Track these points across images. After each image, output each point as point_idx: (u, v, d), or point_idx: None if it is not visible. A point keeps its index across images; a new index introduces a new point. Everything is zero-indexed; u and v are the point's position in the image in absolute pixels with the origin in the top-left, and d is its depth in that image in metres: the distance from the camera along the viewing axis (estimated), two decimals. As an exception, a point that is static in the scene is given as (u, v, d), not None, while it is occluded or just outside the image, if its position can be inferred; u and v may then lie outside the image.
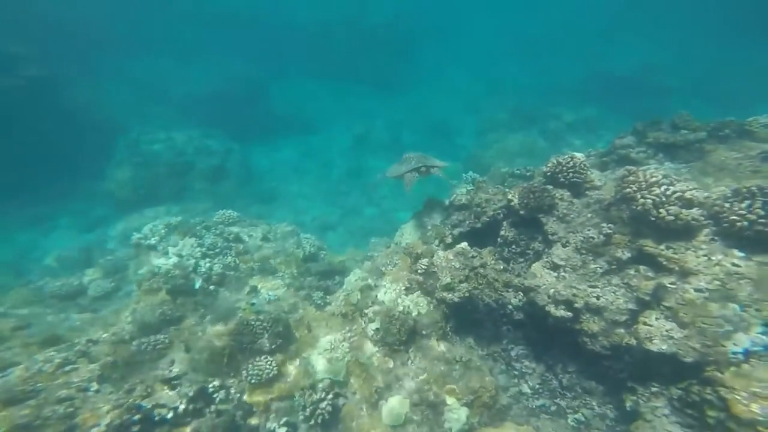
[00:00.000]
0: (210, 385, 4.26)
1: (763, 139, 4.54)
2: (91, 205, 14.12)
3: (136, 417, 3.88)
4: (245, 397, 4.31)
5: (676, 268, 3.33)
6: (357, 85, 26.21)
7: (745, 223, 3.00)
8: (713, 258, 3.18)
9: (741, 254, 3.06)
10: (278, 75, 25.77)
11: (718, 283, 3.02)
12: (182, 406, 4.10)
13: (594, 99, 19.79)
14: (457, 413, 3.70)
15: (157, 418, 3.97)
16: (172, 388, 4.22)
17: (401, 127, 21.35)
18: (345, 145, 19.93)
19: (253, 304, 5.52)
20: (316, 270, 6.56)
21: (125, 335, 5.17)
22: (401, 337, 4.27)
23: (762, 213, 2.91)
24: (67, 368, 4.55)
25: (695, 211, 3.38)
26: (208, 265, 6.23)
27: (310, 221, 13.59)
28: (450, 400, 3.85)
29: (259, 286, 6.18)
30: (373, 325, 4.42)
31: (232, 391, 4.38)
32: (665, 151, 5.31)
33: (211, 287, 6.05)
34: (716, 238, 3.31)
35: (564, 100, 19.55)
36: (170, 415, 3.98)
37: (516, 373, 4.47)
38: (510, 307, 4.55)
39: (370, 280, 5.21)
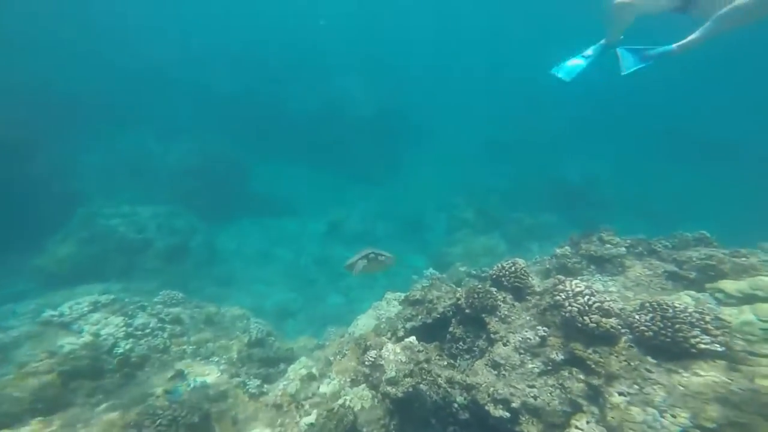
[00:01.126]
0: None
1: (665, 259, 5.28)
2: (12, 280, 12.50)
3: None
4: None
5: (603, 372, 3.53)
6: (337, 175, 27.41)
7: (651, 333, 3.37)
8: (632, 363, 3.43)
9: (654, 361, 3.34)
10: (259, 157, 26.54)
11: (637, 387, 3.21)
12: None
13: (550, 206, 21.70)
14: None
15: None
16: None
17: (376, 219, 22.15)
18: (318, 233, 20.28)
19: (168, 392, 4.94)
20: (259, 356, 6.14)
21: None
22: (337, 436, 3.95)
23: (661, 325, 3.31)
24: None
25: (613, 320, 3.76)
26: (129, 346, 5.67)
27: (270, 306, 13.00)
28: None
29: (186, 371, 5.60)
30: (308, 420, 4.09)
31: None
32: (595, 263, 5.99)
33: (125, 370, 5.41)
34: (633, 345, 3.62)
35: (524, 205, 21.33)
36: None
37: (461, 483, 4.09)
38: (455, 405, 4.40)
39: (314, 370, 4.99)
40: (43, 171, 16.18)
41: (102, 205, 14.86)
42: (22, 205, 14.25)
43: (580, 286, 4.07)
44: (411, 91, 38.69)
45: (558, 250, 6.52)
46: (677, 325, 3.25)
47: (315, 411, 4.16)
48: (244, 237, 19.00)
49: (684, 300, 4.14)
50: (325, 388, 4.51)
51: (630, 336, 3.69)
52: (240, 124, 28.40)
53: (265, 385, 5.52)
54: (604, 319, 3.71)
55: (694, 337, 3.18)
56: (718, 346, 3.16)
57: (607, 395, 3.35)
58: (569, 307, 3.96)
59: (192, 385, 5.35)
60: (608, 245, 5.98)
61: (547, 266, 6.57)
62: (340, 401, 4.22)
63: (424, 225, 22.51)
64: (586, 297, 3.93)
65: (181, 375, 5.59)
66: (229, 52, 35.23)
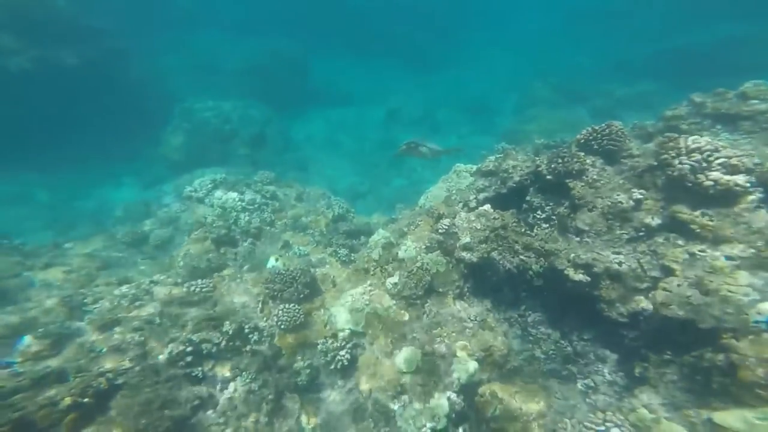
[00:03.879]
0: (246, 327, 4.70)
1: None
2: (150, 166, 15.49)
3: (189, 349, 4.39)
4: (275, 341, 4.72)
5: (709, 236, 3.17)
6: (394, 62, 25.88)
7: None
8: (753, 226, 2.98)
9: (786, 222, 2.85)
10: (318, 50, 25.87)
11: (752, 251, 2.85)
12: (223, 344, 4.55)
13: (656, 76, 17.90)
14: (465, 365, 3.86)
15: (205, 352, 4.46)
16: (215, 327, 4.69)
17: (437, 104, 20.94)
18: (378, 119, 19.95)
19: (277, 258, 5.90)
20: (344, 229, 6.84)
21: (178, 279, 5.80)
22: (418, 292, 4.45)
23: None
24: (137, 303, 5.25)
25: (740, 178, 3.15)
26: (246, 218, 6.71)
27: (341, 189, 13.96)
28: (460, 354, 4.01)
29: (291, 241, 6.58)
30: (392, 280, 4.62)
31: (264, 333, 4.79)
32: (725, 122, 4.86)
33: (249, 239, 6.54)
34: (762, 205, 3.08)
35: (619, 78, 17.95)
36: (214, 350, 4.48)
37: (531, 338, 4.52)
38: (530, 273, 4.54)
39: (392, 239, 5.39)
40: (140, 74, 17.87)
41: (193, 101, 16.38)
42: (134, 103, 16.25)
43: (699, 142, 3.38)
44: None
45: (668, 112, 5.38)
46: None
47: (397, 273, 4.67)
48: (312, 126, 19.60)
49: None
50: (403, 253, 4.94)
51: (761, 194, 3.12)
52: (298, 20, 27.19)
53: (352, 254, 6.31)
54: (726, 177, 3.14)
55: None
56: None
57: (709, 259, 3.05)
58: (678, 165, 3.40)
59: (298, 254, 6.36)
60: (753, 101, 4.70)
61: (650, 131, 5.57)
62: (418, 264, 4.63)
63: (491, 107, 20.57)
64: (706, 153, 3.28)
65: (287, 245, 6.65)
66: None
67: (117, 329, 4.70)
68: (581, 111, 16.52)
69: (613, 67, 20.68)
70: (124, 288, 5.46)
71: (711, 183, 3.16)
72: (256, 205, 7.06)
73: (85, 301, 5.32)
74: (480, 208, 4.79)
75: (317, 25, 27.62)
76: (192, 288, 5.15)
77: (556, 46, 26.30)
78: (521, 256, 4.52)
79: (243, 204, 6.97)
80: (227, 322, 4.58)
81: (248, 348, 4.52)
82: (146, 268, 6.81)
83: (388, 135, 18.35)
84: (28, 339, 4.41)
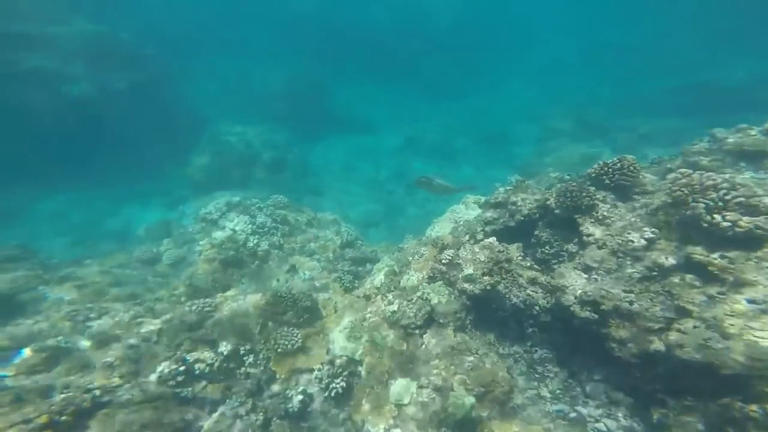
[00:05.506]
0: (242, 349, 4.67)
1: None
2: (176, 186, 16.23)
3: (182, 368, 4.38)
4: (270, 364, 4.64)
5: (730, 279, 2.96)
6: (415, 90, 26.55)
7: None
8: (776, 270, 2.78)
9: (810, 267, 2.64)
10: (341, 76, 27.02)
11: (776, 295, 2.63)
12: (217, 365, 4.53)
13: (681, 111, 17.62)
14: (461, 401, 3.64)
15: (197, 372, 4.45)
16: (211, 347, 4.69)
17: (455, 133, 21.15)
18: (396, 147, 20.31)
19: (278, 280, 5.94)
20: (351, 256, 6.84)
21: (182, 297, 5.90)
22: (417, 321, 4.32)
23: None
24: (138, 320, 5.35)
25: (761, 219, 2.98)
26: (255, 240, 6.84)
27: (355, 216, 14.06)
28: (457, 388, 3.81)
29: (297, 265, 6.63)
30: (392, 308, 4.52)
31: (261, 356, 4.74)
32: (749, 159, 4.67)
33: (256, 262, 6.63)
34: (784, 249, 2.88)
35: (641, 112, 17.74)
36: (207, 370, 4.45)
37: (537, 375, 4.26)
38: (537, 308, 4.35)
39: (396, 268, 5.33)
40: (177, 97, 19.23)
41: (221, 124, 17.38)
42: (171, 125, 17.38)
43: (714, 179, 3.25)
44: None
45: (689, 147, 5.24)
46: None
47: (397, 301, 4.57)
48: (331, 152, 20.13)
49: None
50: (405, 282, 4.86)
51: (782, 238, 2.92)
52: (320, 48, 28.61)
53: (356, 281, 6.26)
54: (745, 218, 2.97)
55: None
56: None
57: (730, 302, 2.84)
58: (694, 204, 3.25)
59: (303, 278, 6.39)
60: (781, 137, 4.53)
61: (668, 166, 5.40)
62: (419, 293, 4.53)
63: (510, 137, 20.54)
64: (722, 191, 3.14)
65: (293, 268, 6.70)
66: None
67: (113, 345, 4.74)
68: (603, 145, 16.29)
69: (633, 101, 20.47)
70: (129, 305, 5.58)
71: (728, 224, 2.99)
72: (266, 229, 7.21)
73: (90, 316, 5.45)
74: (485, 240, 4.70)
75: (341, 52, 28.95)
76: (194, 307, 5.21)
77: (577, 78, 26.44)
78: (528, 291, 4.35)
79: (253, 227, 7.13)
80: (224, 343, 4.56)
81: (242, 370, 4.45)
82: (155, 286, 6.98)
83: (406, 163, 18.57)
84: (26, 352, 4.48)
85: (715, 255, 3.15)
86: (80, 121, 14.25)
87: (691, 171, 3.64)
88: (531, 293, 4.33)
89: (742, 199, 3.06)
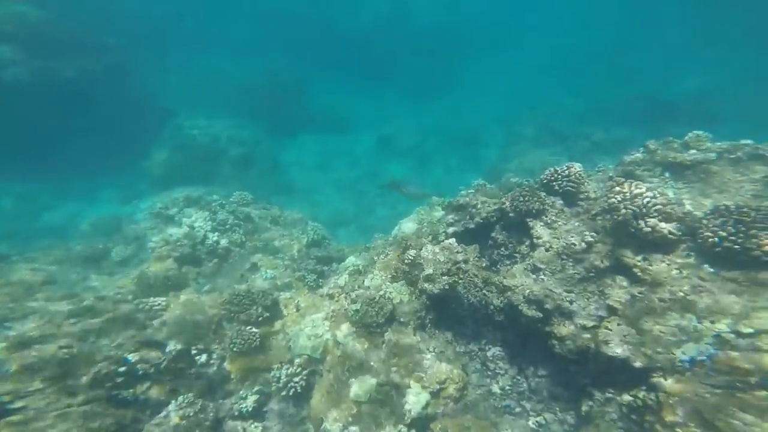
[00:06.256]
0: (194, 348, 4.58)
1: (772, 164, 4.39)
2: (132, 181, 15.43)
3: (122, 369, 4.18)
4: (225, 364, 4.59)
5: (648, 279, 3.33)
6: (391, 89, 26.69)
7: (716, 239, 2.98)
8: (684, 271, 3.16)
9: (710, 270, 3.03)
10: (318, 74, 26.63)
11: (681, 294, 3.00)
12: (164, 364, 4.37)
13: (631, 121, 18.98)
14: (418, 398, 3.83)
15: (140, 372, 4.26)
16: (159, 346, 4.51)
17: (429, 133, 21.45)
18: (370, 147, 20.37)
19: (242, 276, 5.87)
20: (316, 255, 6.87)
21: (129, 295, 5.64)
22: (379, 320, 4.46)
23: (732, 230, 2.88)
24: (73, 320, 4.91)
25: (672, 226, 3.38)
26: (215, 238, 6.68)
27: (325, 215, 14.01)
28: (414, 386, 3.99)
29: (259, 264, 6.56)
30: (354, 307, 4.63)
31: (215, 356, 4.66)
32: (672, 169, 5.20)
33: (214, 260, 6.48)
34: (692, 253, 3.28)
35: (598, 121, 18.92)
36: (152, 370, 4.29)
37: (489, 373, 4.52)
38: (492, 307, 4.62)
39: (361, 267, 5.44)
40: (139, 90, 18.25)
41: (185, 117, 16.70)
42: (130, 118, 16.44)
43: (640, 188, 3.63)
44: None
45: (627, 158, 5.75)
46: (752, 231, 2.81)
47: (360, 300, 4.68)
48: (302, 149, 19.91)
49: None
50: (369, 282, 4.98)
51: (691, 243, 3.33)
52: (298, 44, 28.33)
53: (320, 280, 6.30)
54: (662, 224, 3.35)
55: (771, 244, 2.75)
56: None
57: (647, 302, 3.20)
58: (623, 210, 3.61)
59: (265, 276, 6.32)
60: (693, 150, 5.08)
61: (611, 174, 5.89)
62: (381, 292, 4.67)
63: (479, 140, 21.16)
64: (646, 199, 3.51)
65: (255, 267, 6.60)
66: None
67: (37, 347, 4.36)
68: (562, 152, 17.23)
69: (593, 109, 21.72)
70: (64, 304, 5.22)
71: (649, 229, 3.36)
72: (227, 226, 7.04)
73: (12, 316, 4.99)
74: (445, 241, 4.92)
75: (316, 48, 28.59)
76: (141, 306, 5.03)
77: (548, 82, 27.57)
78: (483, 291, 4.61)
79: (213, 224, 6.95)
80: (173, 342, 4.46)
81: (193, 371, 4.38)
82: (98, 284, 6.58)
83: (379, 163, 18.69)
84: None
85: (639, 257, 3.52)
86: (17, 108, 13.19)
87: (624, 180, 4.03)
88: (486, 293, 4.60)
89: (660, 206, 3.44)
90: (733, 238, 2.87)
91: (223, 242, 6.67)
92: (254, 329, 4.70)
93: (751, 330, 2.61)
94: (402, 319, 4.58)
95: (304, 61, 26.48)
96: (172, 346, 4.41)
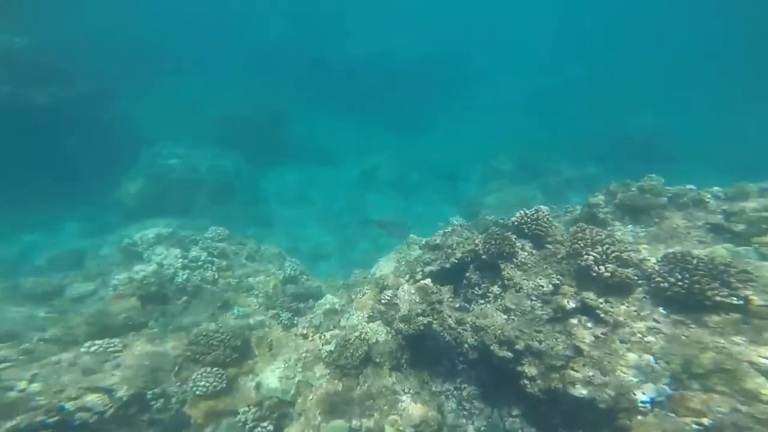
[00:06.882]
0: (149, 392, 4.27)
1: (712, 210, 4.83)
2: (102, 212, 14.75)
3: (52, 419, 3.75)
4: (185, 408, 4.32)
5: (611, 320, 3.52)
6: (372, 124, 27.48)
7: (666, 284, 3.24)
8: (641, 313, 3.38)
9: (663, 312, 3.26)
10: (300, 105, 27.16)
11: (639, 335, 3.20)
12: (110, 411, 3.99)
13: (598, 158, 20.19)
14: (392, 443, 3.75)
15: (77, 422, 3.85)
16: (107, 392, 4.14)
17: (410, 168, 21.99)
18: (352, 180, 20.67)
19: (212, 314, 5.68)
20: (292, 292, 6.77)
21: (79, 336, 5.22)
22: (354, 361, 4.41)
23: (678, 276, 3.15)
24: (4, 365, 4.47)
25: (629, 271, 3.63)
26: (185, 276, 6.48)
27: (305, 248, 13.91)
28: (389, 430, 3.91)
29: (231, 302, 6.39)
30: (329, 347, 4.58)
31: (173, 400, 4.37)
32: (630, 213, 5.60)
33: (183, 298, 6.25)
34: (647, 296, 3.52)
35: (571, 157, 19.93)
36: (93, 419, 3.89)
37: (465, 413, 4.50)
38: (466, 346, 4.67)
39: (337, 305, 5.42)
40: (114, 117, 18.01)
41: (162, 146, 16.40)
42: (101, 146, 15.98)
43: (600, 235, 3.92)
44: (454, 39, 35.83)
45: (591, 200, 6.16)
46: (696, 277, 3.08)
47: (334, 340, 4.64)
48: (284, 181, 19.91)
49: (718, 252, 3.85)
50: (345, 321, 4.96)
51: (646, 287, 3.58)
52: (282, 75, 28.96)
53: (296, 318, 6.17)
54: (620, 269, 3.61)
55: (712, 289, 3.02)
56: (735, 299, 2.99)
57: (609, 342, 3.37)
58: (586, 256, 3.86)
59: (236, 314, 6.13)
60: (647, 195, 5.54)
61: (577, 216, 6.27)
62: (357, 333, 4.65)
63: (459, 175, 21.92)
64: (606, 246, 3.79)
65: (227, 305, 6.39)
66: (275, 3, 34.66)
67: None
68: (536, 188, 18.07)
69: (564, 146, 22.86)
70: None
71: (608, 274, 3.60)
72: (199, 263, 6.84)
73: None
74: (421, 282, 5.02)
75: (301, 81, 29.25)
76: (93, 348, 4.71)
77: (526, 119, 29.05)
78: (458, 330, 4.69)
79: (185, 261, 6.73)
80: (125, 387, 4.17)
81: (146, 417, 4.09)
82: (46, 324, 6.07)
83: (361, 197, 18.91)
84: None
85: (602, 300, 3.73)
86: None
87: (586, 226, 4.33)
88: (460, 332, 4.67)
89: (618, 253, 3.72)
90: (680, 283, 3.13)
91: (194, 280, 6.46)
92: (221, 370, 4.51)
93: (702, 371, 2.80)
94: (377, 360, 4.55)
95: (288, 93, 26.94)
96: (123, 392, 4.08)
